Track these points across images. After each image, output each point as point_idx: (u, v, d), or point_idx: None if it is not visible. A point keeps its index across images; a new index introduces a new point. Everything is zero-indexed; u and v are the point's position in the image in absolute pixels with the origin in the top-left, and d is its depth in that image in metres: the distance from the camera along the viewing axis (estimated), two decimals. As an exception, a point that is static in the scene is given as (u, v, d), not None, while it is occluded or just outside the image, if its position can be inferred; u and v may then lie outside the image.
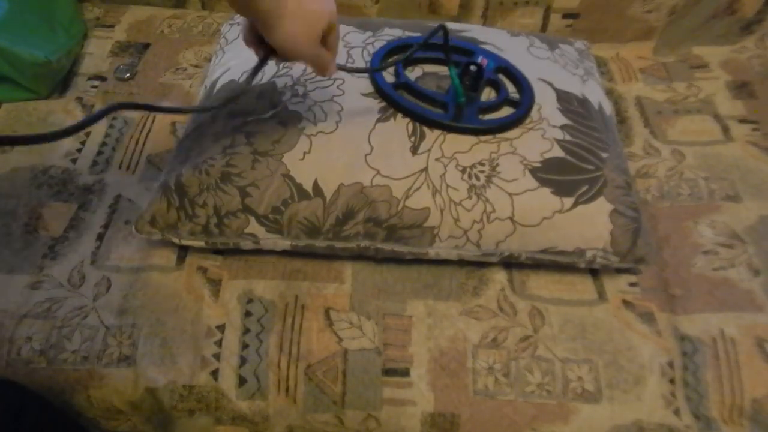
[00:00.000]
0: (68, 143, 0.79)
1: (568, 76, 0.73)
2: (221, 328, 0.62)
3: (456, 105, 0.64)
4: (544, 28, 0.94)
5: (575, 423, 0.58)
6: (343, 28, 0.75)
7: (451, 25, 0.78)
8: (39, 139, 0.35)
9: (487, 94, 0.68)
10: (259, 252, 0.65)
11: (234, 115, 0.64)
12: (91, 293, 0.64)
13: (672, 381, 0.60)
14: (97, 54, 0.92)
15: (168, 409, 0.60)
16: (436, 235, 0.61)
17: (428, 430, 0.59)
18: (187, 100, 0.84)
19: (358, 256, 0.65)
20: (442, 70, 0.70)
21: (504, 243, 0.62)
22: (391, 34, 0.74)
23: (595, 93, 0.73)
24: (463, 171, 0.61)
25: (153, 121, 0.81)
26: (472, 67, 0.66)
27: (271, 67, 0.69)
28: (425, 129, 0.63)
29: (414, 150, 0.61)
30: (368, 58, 0.69)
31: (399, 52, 0.71)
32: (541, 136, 0.64)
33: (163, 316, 0.63)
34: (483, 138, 0.62)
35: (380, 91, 0.65)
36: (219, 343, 0.61)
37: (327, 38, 0.51)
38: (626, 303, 0.64)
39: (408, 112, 0.64)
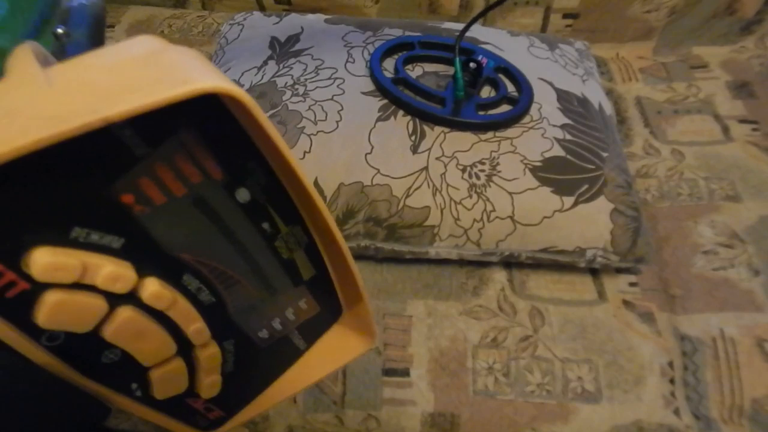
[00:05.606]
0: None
1: (568, 75, 0.73)
2: (221, 327, 0.62)
3: (454, 100, 0.64)
4: (544, 28, 0.94)
5: (575, 423, 0.58)
6: (343, 28, 0.75)
7: (452, 25, 0.78)
8: None
9: (487, 93, 0.68)
10: (258, 251, 0.65)
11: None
12: (91, 293, 0.64)
13: (672, 381, 0.60)
14: (97, 54, 0.92)
15: (167, 409, 0.60)
16: (437, 234, 0.61)
17: (428, 430, 0.59)
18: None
19: (358, 255, 0.65)
20: (443, 69, 0.70)
21: (504, 242, 0.61)
22: (391, 34, 0.74)
23: (595, 93, 0.72)
24: (464, 170, 0.61)
25: (153, 121, 0.81)
26: (472, 64, 0.66)
27: (271, 66, 0.69)
28: (426, 128, 0.63)
29: (414, 149, 0.61)
30: (368, 58, 0.69)
31: (398, 51, 0.71)
32: (542, 135, 0.64)
33: (163, 316, 0.62)
34: (483, 137, 0.62)
35: (379, 86, 0.65)
36: (219, 343, 0.61)
37: None
38: (626, 303, 0.64)
39: (405, 106, 0.63)
